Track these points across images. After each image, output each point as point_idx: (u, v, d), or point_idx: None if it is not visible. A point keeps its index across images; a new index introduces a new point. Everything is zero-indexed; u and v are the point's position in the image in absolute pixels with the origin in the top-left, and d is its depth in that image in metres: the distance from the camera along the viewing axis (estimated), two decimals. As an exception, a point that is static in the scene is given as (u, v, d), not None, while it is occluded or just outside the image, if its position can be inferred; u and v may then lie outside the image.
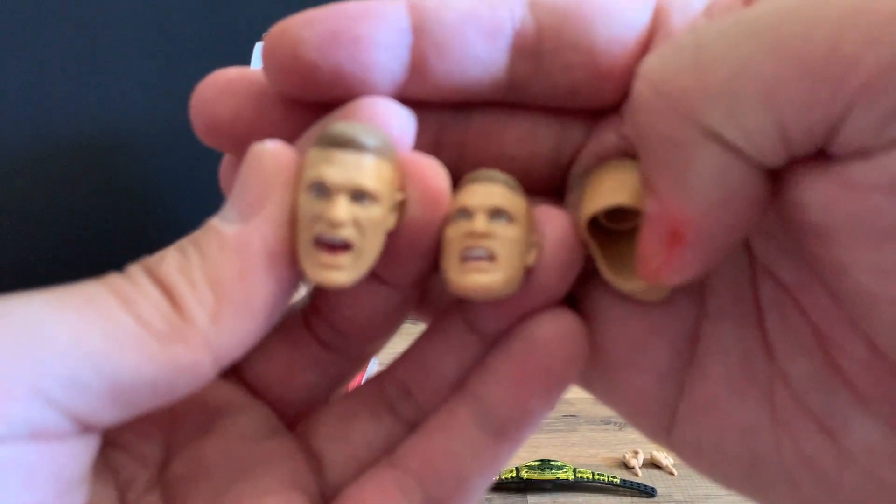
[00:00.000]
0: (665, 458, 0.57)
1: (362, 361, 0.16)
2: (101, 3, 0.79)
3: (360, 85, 0.13)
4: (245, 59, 0.59)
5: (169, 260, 0.12)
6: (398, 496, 0.14)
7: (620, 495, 0.54)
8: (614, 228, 0.14)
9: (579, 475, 0.54)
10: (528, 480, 0.54)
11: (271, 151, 0.12)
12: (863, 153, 0.10)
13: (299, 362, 0.15)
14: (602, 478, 0.54)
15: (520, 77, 0.13)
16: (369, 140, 0.12)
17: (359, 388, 0.15)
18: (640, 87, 0.12)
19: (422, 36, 0.13)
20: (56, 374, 0.11)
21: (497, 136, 0.14)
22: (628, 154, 0.14)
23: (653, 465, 0.57)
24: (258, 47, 0.59)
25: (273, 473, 0.14)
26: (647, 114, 0.11)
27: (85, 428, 0.11)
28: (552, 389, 0.14)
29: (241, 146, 0.13)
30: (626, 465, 0.57)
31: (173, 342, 0.11)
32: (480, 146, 0.14)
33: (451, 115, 0.14)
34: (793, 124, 0.10)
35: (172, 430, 0.14)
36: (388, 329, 0.15)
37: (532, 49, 0.13)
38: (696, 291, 0.14)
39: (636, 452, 0.58)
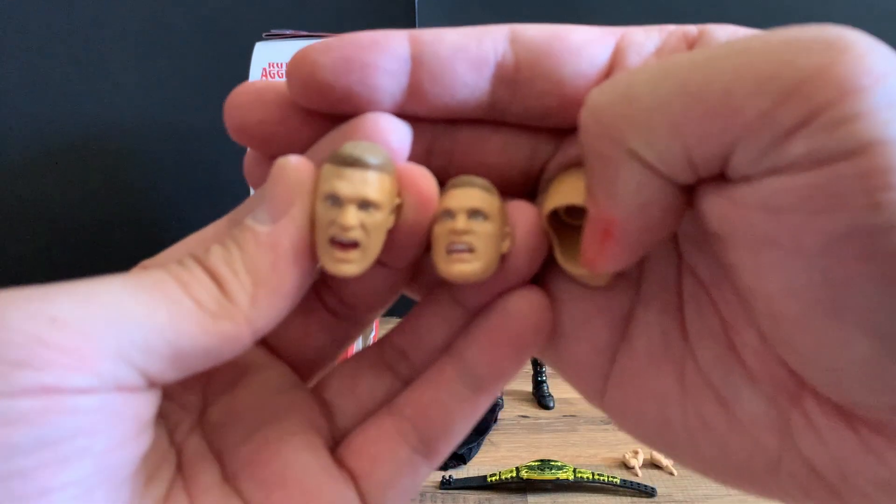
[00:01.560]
0: (665, 458, 0.58)
1: (364, 327, 0.19)
2: (101, 2, 0.80)
3: (367, 103, 0.16)
4: (245, 59, 0.58)
5: (215, 252, 0.15)
6: (397, 437, 0.17)
7: (620, 495, 0.55)
8: (572, 224, 0.18)
9: (579, 475, 0.55)
10: (528, 480, 0.55)
11: (294, 165, 0.16)
12: (746, 178, 0.13)
13: (312, 327, 0.19)
14: (602, 478, 0.55)
15: (500, 101, 0.16)
16: (372, 159, 0.15)
17: (363, 351, 0.19)
18: (584, 115, 0.15)
19: (419, 65, 0.16)
20: (134, 342, 0.14)
21: (480, 147, 0.17)
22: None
23: (653, 465, 0.59)
24: (258, 47, 0.58)
25: (294, 418, 0.18)
26: (588, 136, 0.15)
27: (152, 384, 0.15)
28: (522, 352, 0.17)
29: (266, 145, 0.17)
30: (626, 465, 0.59)
31: (221, 319, 0.15)
32: (466, 155, 0.17)
33: (442, 128, 0.17)
34: (695, 152, 0.13)
35: (209, 383, 0.18)
36: (385, 300, 0.19)
37: (511, 79, 0.16)
38: (633, 280, 0.18)
39: (636, 452, 0.60)
